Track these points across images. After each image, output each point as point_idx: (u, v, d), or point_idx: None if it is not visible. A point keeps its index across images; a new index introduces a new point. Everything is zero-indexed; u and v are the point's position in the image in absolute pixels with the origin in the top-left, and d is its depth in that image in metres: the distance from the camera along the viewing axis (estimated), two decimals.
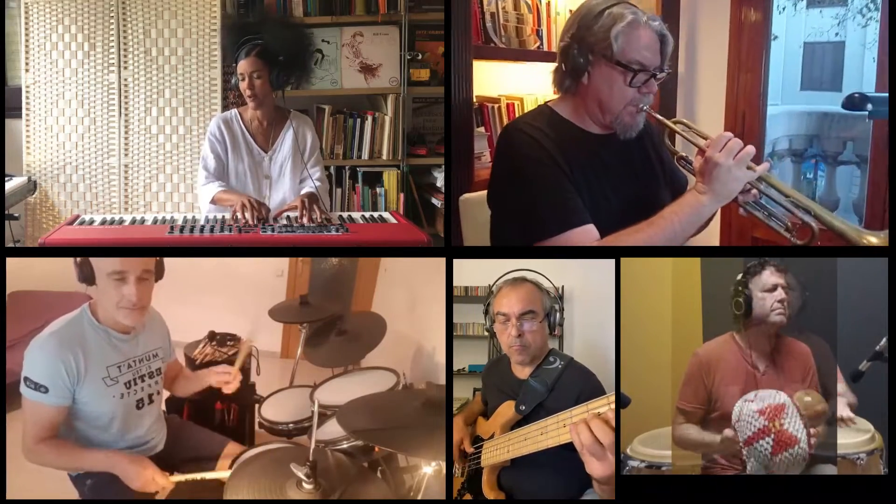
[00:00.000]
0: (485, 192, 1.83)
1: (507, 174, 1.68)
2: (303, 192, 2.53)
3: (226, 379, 2.00)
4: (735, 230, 3.26)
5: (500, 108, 2.95)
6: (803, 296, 1.75)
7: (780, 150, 3.51)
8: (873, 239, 1.50)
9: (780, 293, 1.69)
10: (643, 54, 1.59)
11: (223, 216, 2.42)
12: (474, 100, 2.63)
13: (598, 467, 1.25)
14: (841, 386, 1.72)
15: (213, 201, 2.47)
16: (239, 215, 2.33)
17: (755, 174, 1.51)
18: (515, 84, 3.16)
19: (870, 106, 1.53)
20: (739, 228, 3.23)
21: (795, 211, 1.55)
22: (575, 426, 1.29)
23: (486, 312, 1.84)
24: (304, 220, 2.37)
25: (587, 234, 1.57)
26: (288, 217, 2.43)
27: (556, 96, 1.78)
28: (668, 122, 1.71)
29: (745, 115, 3.15)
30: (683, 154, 1.73)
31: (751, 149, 1.49)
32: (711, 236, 3.54)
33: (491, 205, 1.78)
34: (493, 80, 2.99)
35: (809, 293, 1.77)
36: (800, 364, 1.72)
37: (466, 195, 2.11)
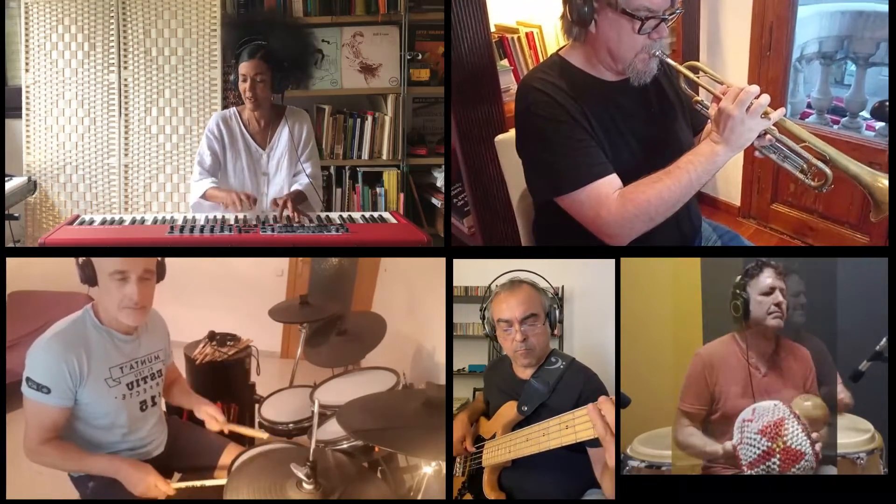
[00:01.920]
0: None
1: (529, 132, 1.70)
2: (293, 188, 2.56)
3: (210, 421, 1.98)
4: (758, 164, 3.24)
5: (519, 38, 2.86)
6: (802, 298, 1.76)
7: (809, 53, 3.32)
8: (887, 182, 1.47)
9: (777, 296, 1.68)
10: (652, 0, 1.54)
11: (223, 216, 2.43)
12: (493, 29, 2.54)
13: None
14: (840, 388, 1.72)
15: (204, 197, 2.50)
16: (230, 209, 2.39)
17: (770, 122, 1.49)
18: (531, 8, 3.01)
19: None
20: (762, 162, 3.18)
21: (810, 158, 1.54)
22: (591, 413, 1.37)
23: (484, 318, 1.83)
24: (282, 219, 2.40)
25: (611, 184, 1.59)
26: (288, 217, 2.43)
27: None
28: (682, 68, 1.67)
29: (773, 27, 2.99)
30: (699, 98, 1.70)
31: (764, 99, 1.48)
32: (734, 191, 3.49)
33: (519, 156, 1.79)
34: (507, 7, 2.89)
35: (807, 296, 1.78)
36: (800, 366, 1.72)
37: (501, 136, 2.07)
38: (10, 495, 1.84)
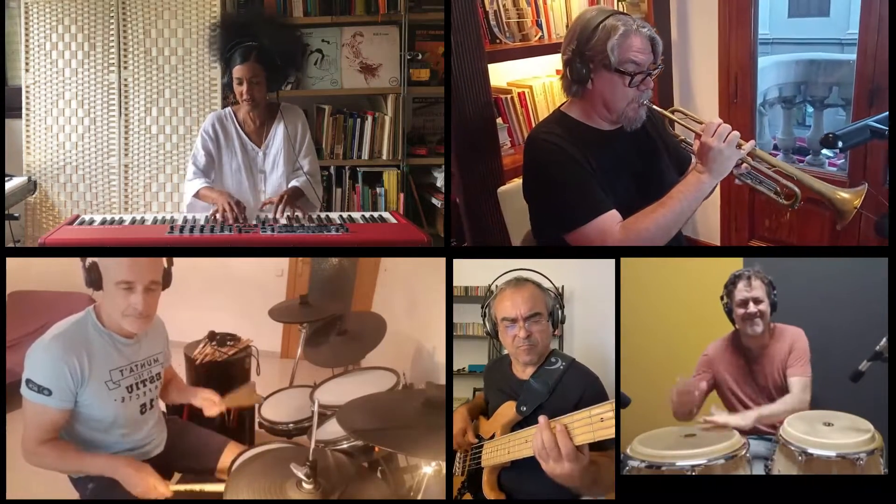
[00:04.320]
0: (517, 180, 2.06)
1: (538, 179, 1.90)
2: (290, 184, 2.57)
3: (209, 405, 2.01)
4: (734, 196, 3.45)
5: (512, 98, 3.06)
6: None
7: (771, 98, 3.79)
8: (845, 194, 1.70)
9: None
10: (638, 58, 1.79)
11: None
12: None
13: (548, 468, 1.42)
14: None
15: (197, 196, 2.51)
16: (219, 216, 2.38)
17: (744, 152, 1.72)
18: (520, 70, 3.23)
19: (840, 143, 1.68)
20: (738, 194, 3.44)
21: (780, 178, 1.76)
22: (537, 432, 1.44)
23: (485, 315, 1.84)
24: (279, 216, 2.41)
25: (612, 217, 1.77)
26: (288, 217, 2.43)
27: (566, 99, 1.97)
28: (667, 113, 1.93)
29: (738, 77, 3.28)
30: (683, 137, 1.96)
31: (737, 133, 1.70)
32: (712, 232, 3.64)
33: (527, 202, 1.98)
34: (498, 70, 3.07)
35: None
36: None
37: (503, 188, 2.30)
38: (10, 495, 1.85)
